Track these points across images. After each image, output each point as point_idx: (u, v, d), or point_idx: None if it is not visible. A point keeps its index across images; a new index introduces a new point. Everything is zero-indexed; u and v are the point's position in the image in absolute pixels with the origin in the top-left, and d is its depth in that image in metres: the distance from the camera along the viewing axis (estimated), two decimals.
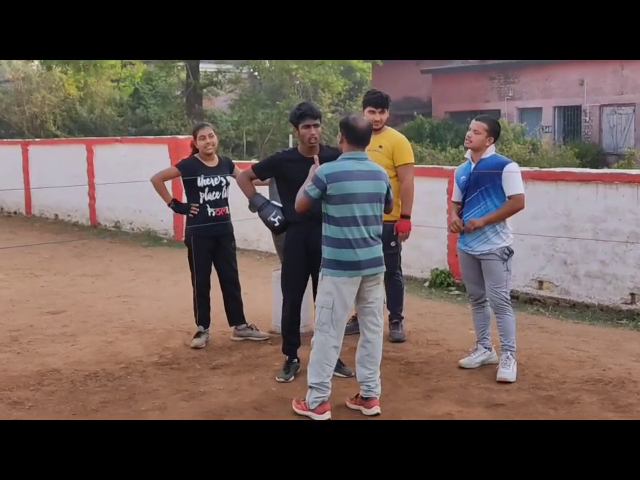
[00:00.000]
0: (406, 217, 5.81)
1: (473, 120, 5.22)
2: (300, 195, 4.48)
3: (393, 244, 5.80)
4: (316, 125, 4.98)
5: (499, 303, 5.12)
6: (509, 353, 5.12)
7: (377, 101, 5.83)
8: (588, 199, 7.02)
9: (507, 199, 5.06)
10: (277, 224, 5.06)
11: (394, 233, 5.79)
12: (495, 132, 5.15)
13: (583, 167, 15.42)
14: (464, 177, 5.22)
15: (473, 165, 5.16)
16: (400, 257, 6.11)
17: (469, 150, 5.23)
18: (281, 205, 5.11)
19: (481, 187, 5.09)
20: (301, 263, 5.06)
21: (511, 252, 5.15)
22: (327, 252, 4.41)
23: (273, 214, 5.06)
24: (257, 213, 5.16)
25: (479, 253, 5.14)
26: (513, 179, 5.05)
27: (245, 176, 5.24)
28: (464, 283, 5.60)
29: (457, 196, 5.35)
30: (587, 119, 22.32)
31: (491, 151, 5.15)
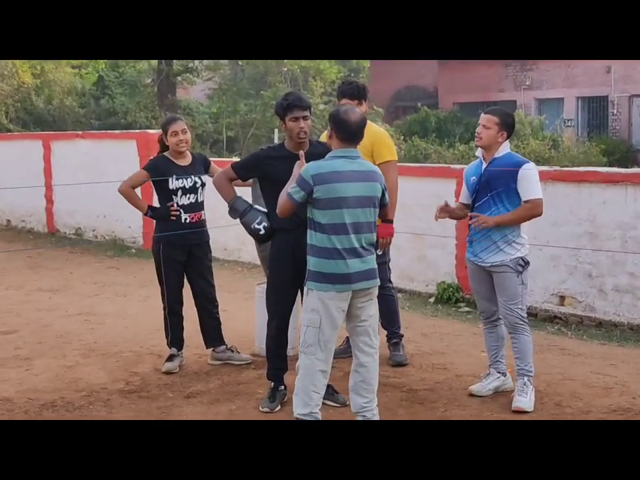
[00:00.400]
0: (388, 221, 5.82)
1: (482, 113, 5.24)
2: (283, 198, 4.47)
3: (379, 252, 5.80)
4: (305, 117, 4.99)
5: (513, 321, 5.13)
6: (525, 378, 5.13)
7: (352, 91, 5.84)
8: (616, 202, 7.05)
9: (522, 204, 5.07)
10: (262, 231, 5.05)
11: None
12: (507, 125, 5.16)
13: (610, 165, 15.51)
14: (474, 177, 5.23)
15: (485, 165, 5.19)
16: (389, 268, 6.12)
17: (480, 148, 5.25)
18: (265, 210, 5.11)
19: (493, 190, 5.11)
20: (288, 275, 5.05)
21: (527, 263, 5.16)
22: (312, 263, 4.41)
23: (258, 220, 5.05)
24: (238, 219, 5.15)
25: (489, 265, 5.15)
26: (530, 181, 5.06)
27: (224, 176, 5.24)
28: (474, 298, 5.61)
29: (464, 197, 5.37)
30: (615, 111, 22.45)
31: (505, 149, 5.16)
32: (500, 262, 5.11)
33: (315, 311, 4.37)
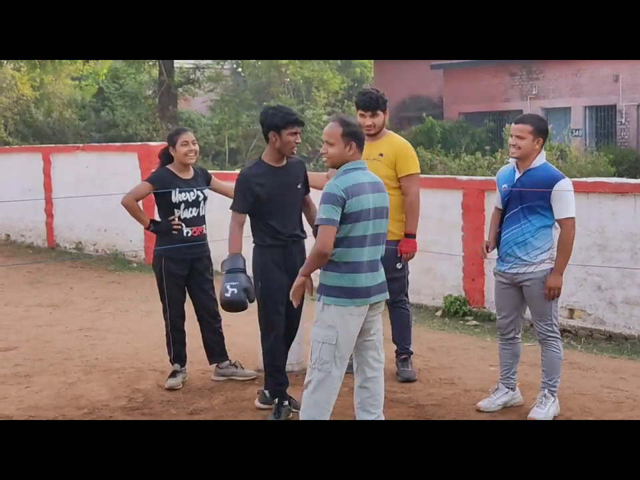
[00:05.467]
0: (411, 235, 5.82)
1: (512, 124, 5.13)
2: (322, 231, 4.24)
3: (399, 266, 5.81)
4: (300, 131, 5.14)
5: (543, 335, 5.11)
6: (546, 390, 5.10)
7: (365, 103, 5.82)
8: (625, 213, 7.05)
9: (555, 224, 5.03)
10: (227, 293, 4.89)
11: (398, 255, 5.80)
12: (542, 131, 5.03)
13: (618, 176, 15.49)
14: (505, 185, 5.14)
15: (518, 175, 5.09)
16: (407, 282, 6.10)
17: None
18: (250, 284, 5.01)
19: (525, 202, 5.01)
20: (278, 288, 5.09)
21: None
22: (328, 277, 4.34)
23: (232, 283, 4.91)
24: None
25: (519, 277, 5.09)
26: (564, 200, 4.98)
27: (233, 224, 5.13)
28: (496, 314, 5.53)
29: (499, 202, 5.28)
30: (623, 120, 22.44)
31: (541, 159, 5.05)
32: (531, 273, 5.05)
33: (331, 327, 4.30)
